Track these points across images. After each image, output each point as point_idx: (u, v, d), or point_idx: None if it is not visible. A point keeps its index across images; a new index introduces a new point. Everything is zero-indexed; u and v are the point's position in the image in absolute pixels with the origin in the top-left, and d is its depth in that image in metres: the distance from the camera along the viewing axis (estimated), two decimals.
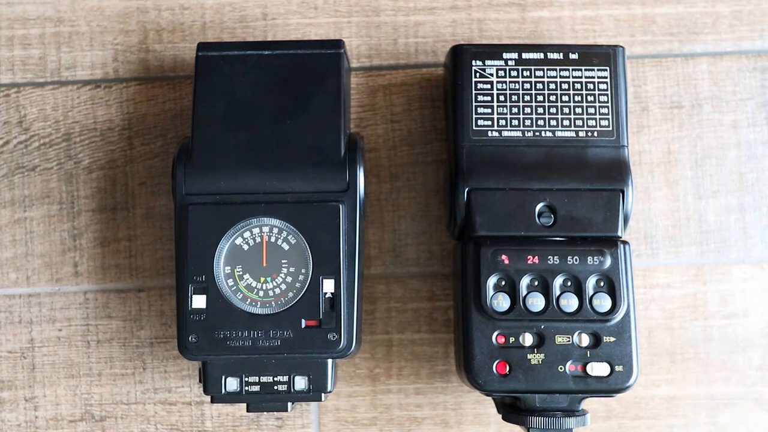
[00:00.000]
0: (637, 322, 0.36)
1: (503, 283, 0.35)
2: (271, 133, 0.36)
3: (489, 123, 0.37)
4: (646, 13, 0.42)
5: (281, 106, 0.36)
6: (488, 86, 0.37)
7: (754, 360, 0.41)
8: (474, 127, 0.37)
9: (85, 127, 0.42)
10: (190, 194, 0.35)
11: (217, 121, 0.36)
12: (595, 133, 0.37)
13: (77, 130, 0.42)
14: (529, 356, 0.35)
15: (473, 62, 0.37)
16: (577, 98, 0.37)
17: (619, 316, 0.35)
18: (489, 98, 0.37)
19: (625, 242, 0.36)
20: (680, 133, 0.42)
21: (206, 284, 0.35)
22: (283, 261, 0.35)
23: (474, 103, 0.37)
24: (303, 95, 0.36)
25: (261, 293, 0.35)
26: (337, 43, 0.37)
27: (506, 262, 0.35)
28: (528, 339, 0.35)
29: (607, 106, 0.37)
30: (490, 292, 0.35)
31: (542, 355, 0.35)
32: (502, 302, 0.35)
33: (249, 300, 0.35)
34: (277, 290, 0.35)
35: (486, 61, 0.38)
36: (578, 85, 0.37)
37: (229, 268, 0.35)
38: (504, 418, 0.36)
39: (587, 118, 0.37)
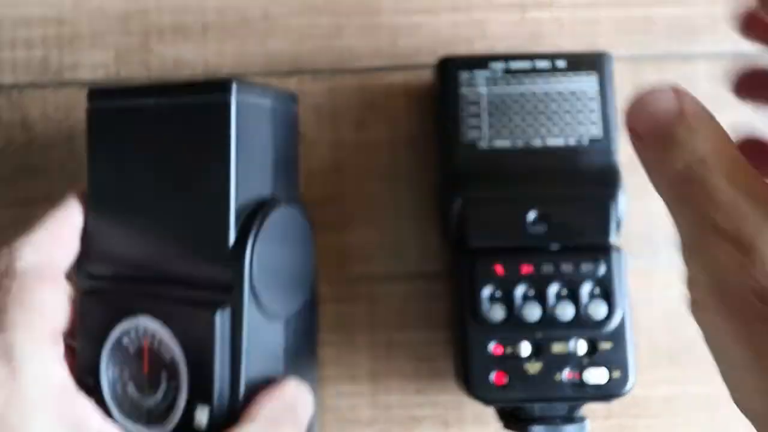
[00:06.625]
0: (635, 323, 0.36)
1: (498, 293, 0.35)
2: (156, 208, 0.30)
3: (478, 133, 0.37)
4: (646, 13, 0.43)
5: (165, 173, 0.29)
6: (476, 97, 0.37)
7: None
8: (463, 139, 0.37)
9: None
10: (86, 277, 0.31)
11: (108, 189, 0.31)
12: (586, 141, 0.37)
13: (79, 131, 0.42)
14: (527, 366, 0.35)
15: (461, 73, 0.37)
16: (565, 106, 0.37)
17: (614, 323, 0.35)
18: (477, 108, 0.37)
19: (618, 248, 0.36)
20: None
21: (96, 393, 0.30)
22: (163, 373, 0.28)
23: (463, 114, 0.37)
24: (187, 158, 0.29)
25: (147, 414, 0.29)
26: (225, 85, 0.29)
27: (500, 272, 0.35)
28: (525, 349, 0.35)
29: (597, 113, 0.37)
30: (486, 302, 0.35)
31: (539, 364, 0.35)
32: (497, 312, 0.35)
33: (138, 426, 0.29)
34: (157, 411, 0.29)
35: (474, 72, 0.37)
36: (567, 93, 0.37)
37: (117, 371, 0.30)
38: (505, 427, 0.36)
39: (577, 126, 0.37)
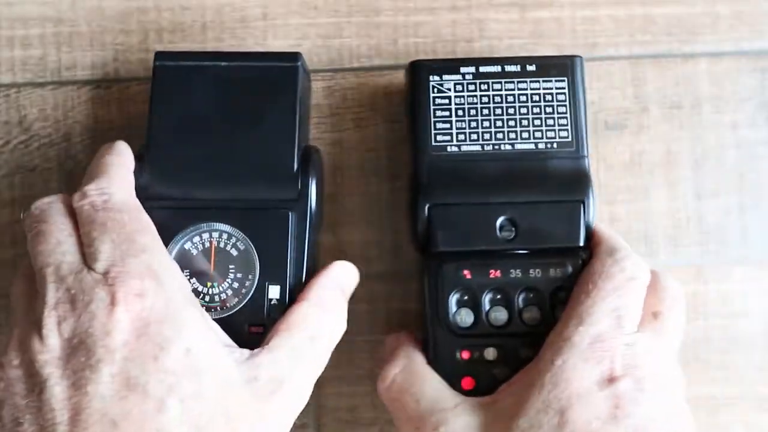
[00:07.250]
0: None
1: (466, 298, 0.35)
2: (225, 144, 0.36)
3: (448, 138, 0.37)
4: (646, 13, 0.42)
5: (236, 118, 0.36)
6: (446, 101, 0.37)
7: (755, 360, 0.41)
8: (433, 143, 0.37)
9: (85, 127, 0.42)
10: (142, 200, 0.35)
11: (172, 131, 0.36)
12: (555, 145, 0.37)
13: (77, 131, 0.42)
14: (495, 371, 0.34)
15: (431, 77, 0.37)
16: (535, 110, 0.37)
17: None
18: (447, 113, 0.37)
19: (587, 252, 0.36)
20: (680, 133, 0.42)
21: None
22: (230, 266, 0.35)
23: (433, 118, 0.37)
24: (258, 108, 0.36)
25: (207, 298, 0.35)
26: (294, 56, 0.37)
27: (468, 276, 0.35)
28: (492, 353, 0.35)
29: (566, 117, 0.37)
30: (453, 307, 0.35)
31: (508, 369, 0.34)
32: (465, 317, 0.35)
33: None
34: (223, 295, 0.34)
35: (443, 76, 0.37)
36: (536, 97, 0.37)
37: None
38: None
39: (546, 130, 0.37)
